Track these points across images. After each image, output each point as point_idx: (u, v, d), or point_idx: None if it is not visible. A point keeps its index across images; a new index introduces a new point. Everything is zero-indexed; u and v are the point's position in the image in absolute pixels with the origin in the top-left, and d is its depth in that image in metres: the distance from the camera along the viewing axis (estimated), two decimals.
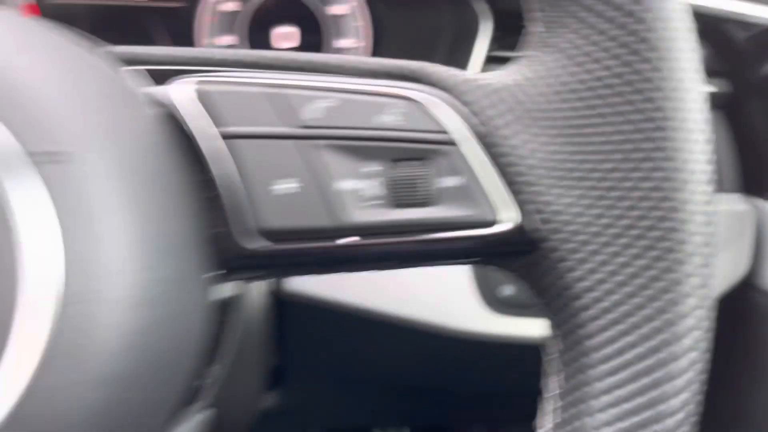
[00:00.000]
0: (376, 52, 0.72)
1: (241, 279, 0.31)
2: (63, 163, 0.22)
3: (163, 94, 0.28)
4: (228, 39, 0.70)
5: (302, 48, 0.71)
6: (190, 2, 0.68)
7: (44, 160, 0.22)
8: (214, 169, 0.27)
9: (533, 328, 0.65)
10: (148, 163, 0.25)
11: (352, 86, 0.28)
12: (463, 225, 0.27)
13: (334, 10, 0.70)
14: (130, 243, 0.23)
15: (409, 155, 0.27)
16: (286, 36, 0.70)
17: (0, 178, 0.22)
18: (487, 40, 0.64)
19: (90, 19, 0.68)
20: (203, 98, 0.28)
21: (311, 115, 0.27)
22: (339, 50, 0.71)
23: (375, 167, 0.27)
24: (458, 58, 0.66)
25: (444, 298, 0.64)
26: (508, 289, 0.63)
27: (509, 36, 0.66)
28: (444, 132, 0.27)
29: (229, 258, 0.28)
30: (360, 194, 0.27)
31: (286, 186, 0.27)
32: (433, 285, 0.64)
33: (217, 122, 0.27)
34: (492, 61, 0.65)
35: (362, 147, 0.27)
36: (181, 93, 0.28)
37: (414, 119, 0.27)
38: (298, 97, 0.27)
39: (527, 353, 0.66)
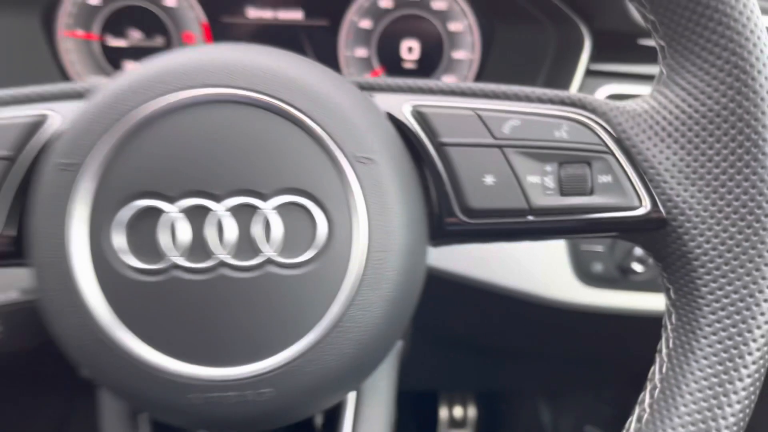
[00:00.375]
0: (485, 63, 0.82)
1: (442, 245, 0.43)
2: (367, 164, 0.34)
3: (398, 112, 0.39)
4: (362, 51, 0.81)
5: (423, 58, 0.82)
6: (334, 21, 0.80)
7: (357, 161, 0.34)
8: (429, 168, 0.39)
9: (617, 299, 0.75)
10: (404, 162, 0.37)
11: (533, 110, 0.39)
12: (612, 209, 0.38)
13: (453, 26, 0.81)
14: (402, 215, 0.35)
15: (575, 159, 0.38)
16: (410, 48, 0.82)
17: (328, 176, 0.34)
18: (587, 55, 0.74)
19: (253, 36, 0.80)
20: (417, 116, 0.39)
21: (507, 130, 0.38)
22: (455, 61, 0.82)
23: (551, 167, 0.38)
24: (562, 72, 0.75)
25: (544, 272, 0.74)
26: (597, 266, 0.74)
27: (603, 51, 0.76)
28: (601, 144, 0.38)
29: (438, 230, 0.39)
30: (542, 186, 0.38)
31: (489, 179, 0.38)
32: (535, 261, 0.74)
33: (431, 135, 0.39)
34: (589, 74, 0.75)
35: (543, 153, 0.38)
36: (405, 112, 0.39)
37: (579, 134, 0.38)
38: (496, 118, 0.39)
39: (610, 321, 0.77)
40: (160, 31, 0.79)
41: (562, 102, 0.39)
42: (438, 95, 0.40)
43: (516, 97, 0.39)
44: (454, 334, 0.89)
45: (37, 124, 0.36)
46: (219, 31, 0.80)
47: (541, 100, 0.39)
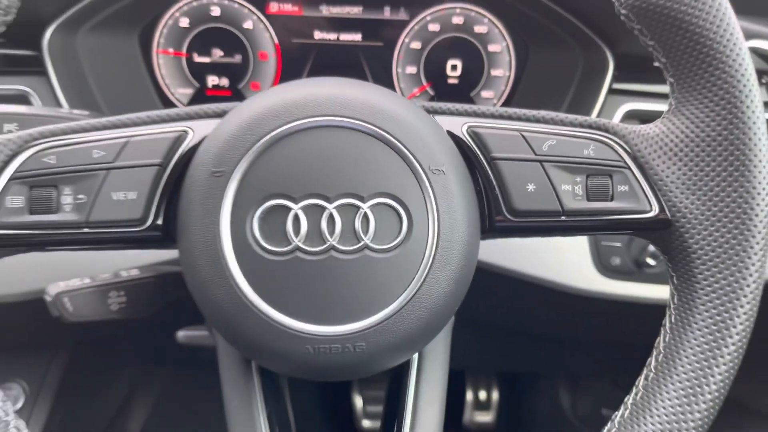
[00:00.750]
0: (519, 80, 0.91)
1: (490, 238, 0.52)
2: (439, 174, 0.44)
3: (457, 131, 0.48)
4: (412, 69, 0.91)
5: (464, 75, 0.92)
6: (388, 42, 0.90)
7: (431, 171, 0.44)
8: (482, 177, 0.48)
9: (633, 289, 0.84)
10: (465, 172, 0.46)
11: (567, 131, 0.48)
12: (628, 212, 0.47)
13: (492, 48, 0.90)
14: (463, 214, 0.45)
15: (599, 172, 0.47)
16: (454, 66, 0.91)
17: (410, 183, 0.43)
18: (610, 76, 0.82)
19: (318, 54, 0.90)
20: (472, 135, 0.48)
21: (546, 148, 0.47)
22: (493, 77, 0.91)
23: (580, 178, 0.47)
24: (588, 90, 0.84)
25: (568, 264, 0.82)
26: (616, 260, 0.82)
27: (625, 72, 0.85)
28: (620, 160, 0.47)
29: (488, 226, 0.49)
30: (573, 192, 0.47)
31: (531, 186, 0.47)
32: (561, 254, 0.83)
33: (484, 150, 0.48)
34: (611, 92, 0.83)
35: (574, 167, 0.47)
36: (462, 131, 0.48)
37: (603, 152, 0.47)
38: (536, 137, 0.48)
39: (626, 310, 0.85)
40: (239, 50, 0.89)
41: (590, 126, 0.48)
42: (489, 118, 0.48)
43: (553, 121, 0.48)
44: (482, 319, 0.98)
45: (180, 138, 0.45)
46: (289, 50, 0.90)
47: (573, 124, 0.48)
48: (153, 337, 1.08)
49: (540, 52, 0.90)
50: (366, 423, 1.48)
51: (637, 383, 0.48)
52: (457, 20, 0.90)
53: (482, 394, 1.53)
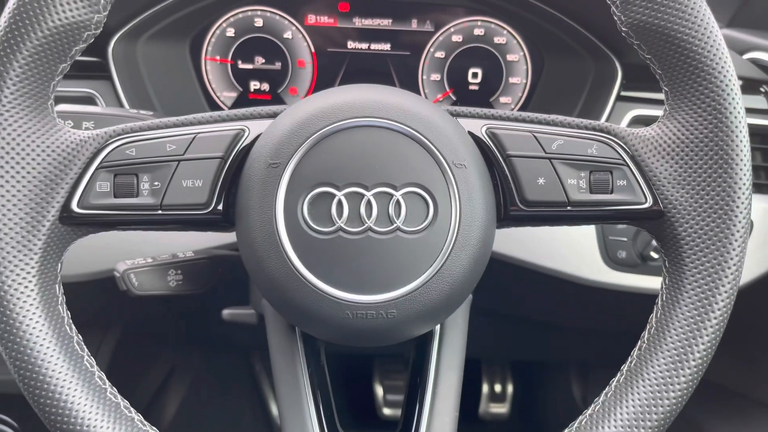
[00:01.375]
0: (535, 87, 0.97)
1: (505, 227, 0.57)
2: (461, 168, 0.50)
3: (476, 131, 0.54)
4: (436, 76, 0.97)
5: (484, 82, 0.98)
6: (415, 51, 0.96)
7: (454, 166, 0.50)
8: (498, 171, 0.54)
9: (637, 281, 0.89)
10: (483, 167, 0.53)
11: (573, 133, 0.53)
12: (625, 203, 0.52)
13: (510, 57, 0.96)
14: (482, 203, 0.51)
15: (601, 169, 0.52)
16: (475, 74, 0.97)
17: (436, 175, 0.50)
18: (618, 84, 0.88)
19: (350, 61, 0.97)
20: (490, 135, 0.54)
21: (554, 147, 0.53)
22: (511, 84, 0.97)
23: (584, 173, 0.53)
24: (598, 97, 0.90)
25: (578, 256, 0.87)
26: (622, 253, 0.87)
27: (632, 81, 0.90)
28: (620, 159, 0.52)
29: (503, 215, 0.55)
30: (578, 186, 0.52)
31: (541, 180, 0.53)
32: (571, 247, 0.88)
33: (500, 148, 0.54)
34: (619, 99, 0.89)
35: (579, 164, 0.52)
36: (481, 131, 0.54)
37: (604, 151, 0.52)
38: (547, 137, 0.54)
39: (631, 300, 0.90)
40: (279, 58, 0.96)
41: (594, 128, 0.53)
42: (505, 121, 0.54)
43: (561, 123, 0.53)
44: (498, 308, 1.03)
45: (238, 135, 0.52)
46: (324, 58, 0.97)
47: (578, 126, 0.53)
48: (195, 319, 1.15)
49: (554, 62, 0.95)
50: (386, 411, 1.53)
51: (632, 353, 0.53)
52: (479, 32, 0.96)
53: (497, 386, 1.56)
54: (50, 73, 0.48)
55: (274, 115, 0.53)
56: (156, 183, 0.50)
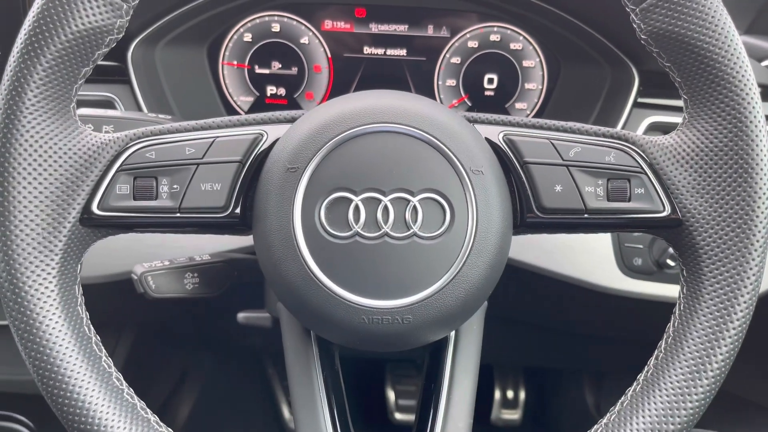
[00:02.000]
0: (551, 93, 0.97)
1: (521, 234, 0.57)
2: (478, 174, 0.50)
3: (493, 138, 0.54)
4: (452, 81, 0.98)
5: (500, 87, 0.98)
6: (431, 57, 0.97)
7: (471, 172, 0.50)
8: (515, 178, 0.54)
9: (653, 289, 0.88)
10: (500, 173, 0.53)
11: (591, 140, 0.53)
12: (643, 212, 0.51)
13: (526, 63, 0.96)
14: (499, 210, 0.51)
15: (619, 177, 0.52)
16: (491, 79, 0.97)
17: (453, 181, 0.50)
18: (635, 91, 0.88)
19: (366, 66, 0.97)
20: (507, 142, 0.54)
21: (572, 154, 0.53)
22: (527, 90, 0.97)
23: (602, 181, 0.53)
24: (614, 104, 0.89)
25: (593, 263, 0.87)
26: (638, 260, 0.87)
27: (649, 88, 0.90)
28: (638, 167, 0.51)
29: (520, 222, 0.55)
30: (595, 193, 0.52)
31: (558, 187, 0.53)
32: (586, 254, 0.87)
33: (517, 155, 0.54)
34: (636, 105, 0.89)
35: (596, 171, 0.52)
36: (498, 138, 0.54)
37: (622, 159, 0.52)
38: (564, 144, 0.54)
39: (647, 308, 0.90)
40: (296, 63, 0.97)
41: (611, 136, 0.53)
42: (522, 127, 0.54)
43: (579, 131, 0.53)
44: (512, 314, 1.03)
45: (257, 139, 0.52)
46: (340, 63, 0.97)
47: (596, 134, 0.53)
48: (209, 322, 1.16)
49: (571, 68, 0.95)
50: (398, 416, 1.53)
51: (648, 363, 0.52)
52: (495, 38, 0.96)
53: (509, 393, 1.56)
54: (73, 76, 0.49)
55: (292, 120, 0.54)
56: (175, 186, 0.51)
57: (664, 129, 0.85)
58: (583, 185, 0.52)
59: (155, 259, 0.69)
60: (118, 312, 1.02)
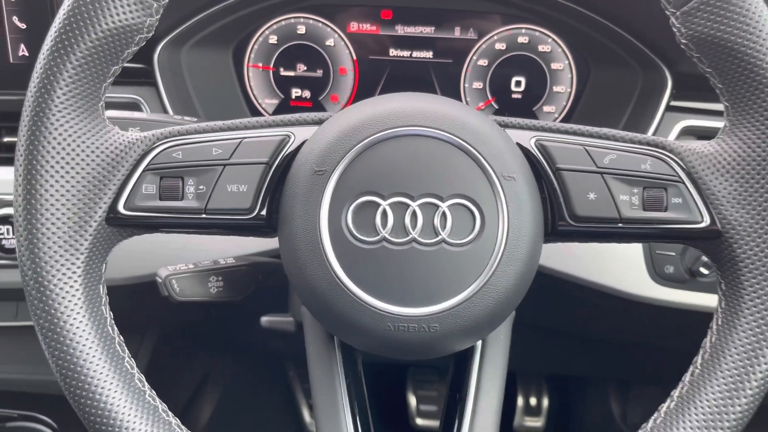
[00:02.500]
0: (580, 96, 0.95)
1: (552, 242, 0.56)
2: (510, 180, 0.49)
3: (525, 143, 0.53)
4: (478, 84, 0.96)
5: (527, 90, 0.96)
6: (457, 59, 0.96)
7: (503, 178, 0.49)
8: (546, 185, 0.52)
9: (685, 297, 0.86)
10: (532, 180, 0.51)
11: (626, 147, 0.52)
12: (681, 222, 0.50)
13: (554, 65, 0.95)
14: (531, 217, 0.50)
15: (655, 185, 0.50)
16: (518, 82, 0.96)
17: (484, 187, 0.49)
18: (668, 94, 0.86)
19: (392, 69, 0.97)
20: (539, 147, 0.53)
21: (607, 161, 0.51)
22: (555, 93, 0.96)
23: (637, 189, 0.51)
24: (646, 107, 0.87)
25: (623, 271, 0.85)
26: (669, 268, 0.85)
27: (682, 91, 0.88)
28: (675, 175, 0.50)
29: (551, 230, 0.53)
30: (630, 202, 0.51)
31: (591, 195, 0.52)
32: (616, 261, 0.85)
33: (550, 161, 0.52)
34: (669, 109, 0.87)
35: (632, 179, 0.50)
36: (530, 143, 0.53)
37: (659, 167, 0.50)
38: (598, 151, 0.52)
39: (678, 317, 0.88)
40: (321, 65, 0.97)
41: (648, 143, 0.51)
42: (554, 133, 0.52)
43: (614, 137, 0.52)
44: (537, 321, 1.01)
45: (284, 141, 0.52)
46: (366, 65, 0.97)
47: (632, 141, 0.51)
48: (231, 324, 1.16)
49: (601, 70, 0.94)
50: (420, 421, 1.52)
51: (683, 379, 0.51)
52: (523, 39, 0.95)
53: (533, 400, 1.54)
54: (102, 75, 0.49)
55: (319, 122, 0.53)
56: (201, 187, 0.50)
57: (699, 133, 0.83)
58: (617, 193, 0.51)
59: (178, 261, 0.69)
60: (141, 314, 1.02)
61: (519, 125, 0.54)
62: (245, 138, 0.51)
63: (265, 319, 0.84)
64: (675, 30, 0.50)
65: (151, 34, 0.50)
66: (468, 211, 0.49)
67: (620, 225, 0.51)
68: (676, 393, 0.51)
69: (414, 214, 0.48)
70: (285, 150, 0.52)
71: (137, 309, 0.98)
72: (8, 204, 0.82)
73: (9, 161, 0.83)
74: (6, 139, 0.86)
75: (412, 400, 1.53)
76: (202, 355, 1.36)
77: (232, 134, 0.52)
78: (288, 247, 0.50)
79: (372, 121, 0.49)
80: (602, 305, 0.92)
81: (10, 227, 0.82)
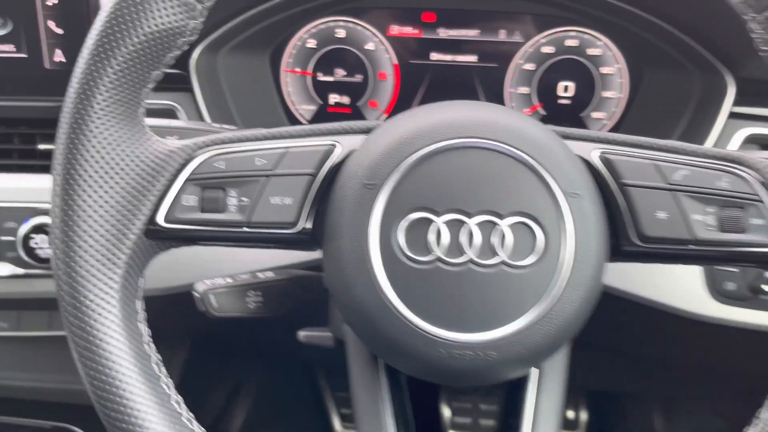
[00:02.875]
0: (632, 102, 0.91)
1: (616, 262, 0.52)
2: (576, 198, 0.46)
3: (587, 156, 0.49)
4: (524, 89, 0.93)
5: (576, 96, 0.92)
6: (502, 63, 0.92)
7: (568, 195, 0.46)
8: (611, 202, 0.48)
9: (746, 316, 0.81)
10: (598, 197, 0.48)
11: (699, 162, 0.48)
12: (761, 245, 0.46)
13: (605, 70, 0.91)
14: (598, 238, 0.46)
15: (733, 204, 0.46)
16: (566, 87, 0.92)
17: (547, 205, 0.45)
18: (730, 101, 0.81)
19: (433, 74, 0.94)
20: (604, 161, 0.49)
21: (678, 177, 0.48)
22: (605, 99, 0.91)
23: (712, 209, 0.47)
24: (704, 115, 0.83)
25: (679, 287, 0.81)
26: (730, 285, 0.80)
27: (745, 96, 0.83)
28: (754, 194, 0.46)
29: (615, 250, 0.49)
30: (704, 223, 0.47)
31: (662, 214, 0.48)
32: (672, 277, 0.81)
33: (615, 176, 0.49)
34: (730, 116, 0.82)
35: (706, 198, 0.46)
36: (593, 157, 0.49)
37: (737, 185, 0.46)
38: (669, 167, 0.48)
39: (736, 337, 0.83)
40: (360, 70, 0.94)
41: (724, 158, 0.47)
42: (620, 145, 0.49)
43: (685, 151, 0.48)
44: (583, 336, 0.97)
45: (329, 151, 0.49)
46: (407, 70, 0.94)
47: (706, 155, 0.48)
48: (266, 336, 1.14)
49: (655, 75, 0.89)
50: None
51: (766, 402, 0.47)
52: (571, 42, 0.91)
53: (571, 413, 1.51)
54: (143, 79, 0.47)
55: (366, 131, 0.50)
56: (244, 199, 0.48)
57: (764, 143, 0.78)
58: (690, 212, 0.47)
59: (211, 270, 0.67)
60: (174, 324, 1.00)
61: (581, 136, 0.50)
62: (291, 147, 0.49)
63: (303, 334, 0.81)
64: (754, 35, 0.46)
65: (194, 38, 0.48)
66: (529, 231, 0.45)
67: (692, 247, 0.47)
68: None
69: (470, 232, 0.45)
70: (330, 160, 0.49)
71: (170, 320, 0.96)
72: (43, 212, 0.81)
73: (44, 168, 0.82)
74: (41, 147, 0.85)
75: (446, 412, 1.50)
76: (232, 365, 1.35)
77: (275, 143, 0.50)
78: (333, 264, 0.48)
79: (426, 131, 0.46)
80: (655, 322, 0.88)
81: (44, 236, 0.80)
